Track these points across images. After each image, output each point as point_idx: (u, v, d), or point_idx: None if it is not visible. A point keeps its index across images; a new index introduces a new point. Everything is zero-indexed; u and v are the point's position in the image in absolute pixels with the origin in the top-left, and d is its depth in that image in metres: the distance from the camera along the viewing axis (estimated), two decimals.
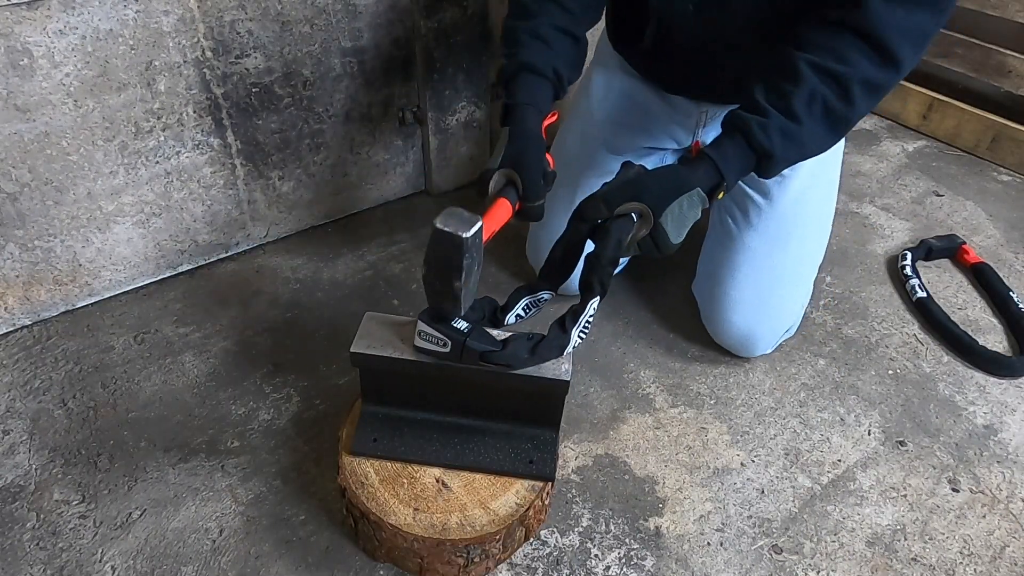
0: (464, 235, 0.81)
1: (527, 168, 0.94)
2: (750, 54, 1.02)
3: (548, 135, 1.04)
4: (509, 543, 0.96)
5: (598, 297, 0.89)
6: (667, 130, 1.28)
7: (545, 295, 0.98)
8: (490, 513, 0.93)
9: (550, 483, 0.98)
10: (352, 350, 0.93)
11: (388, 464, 0.97)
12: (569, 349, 0.90)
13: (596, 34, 1.42)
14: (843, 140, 1.29)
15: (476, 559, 0.92)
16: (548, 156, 1.01)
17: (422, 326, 0.90)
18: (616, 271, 0.91)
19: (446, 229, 0.82)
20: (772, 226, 1.20)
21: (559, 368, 0.91)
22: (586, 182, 1.31)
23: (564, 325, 0.90)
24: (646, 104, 1.26)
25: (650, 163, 1.33)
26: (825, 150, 0.93)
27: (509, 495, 0.95)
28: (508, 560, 0.99)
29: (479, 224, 0.83)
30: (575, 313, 0.90)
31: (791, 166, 0.94)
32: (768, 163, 0.89)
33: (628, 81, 1.27)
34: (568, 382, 0.91)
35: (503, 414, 0.99)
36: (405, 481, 0.96)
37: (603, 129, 1.30)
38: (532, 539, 1.01)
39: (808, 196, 1.21)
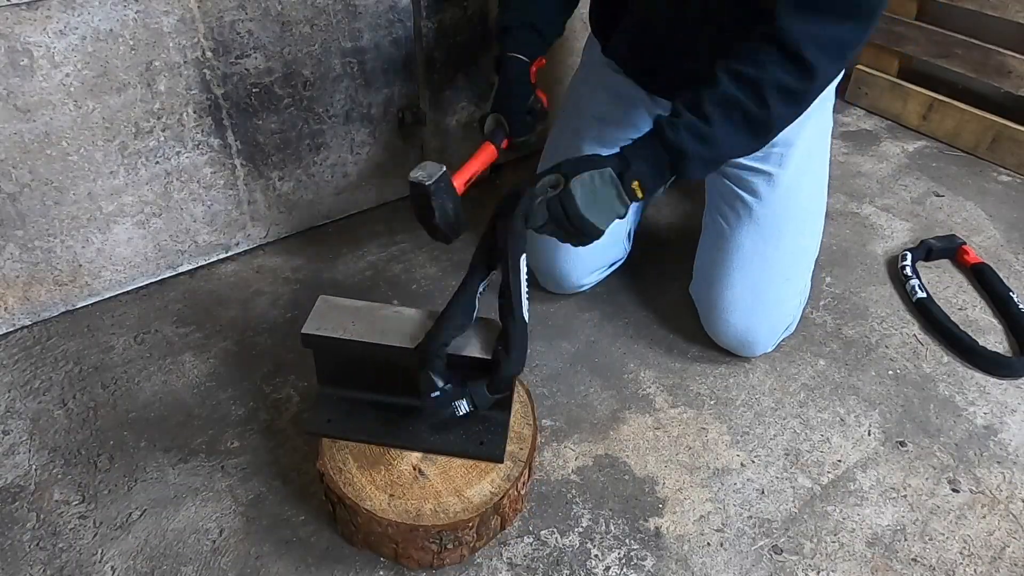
0: (428, 183, 0.98)
1: (511, 109, 1.12)
2: (721, 45, 1.03)
3: (539, 78, 1.19)
4: (483, 531, 0.96)
5: (521, 261, 0.94)
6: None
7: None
8: (464, 501, 0.94)
9: (499, 463, 0.98)
10: (303, 331, 0.96)
11: (367, 451, 0.99)
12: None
13: (581, 43, 1.44)
14: (829, 136, 1.30)
15: (449, 545, 0.94)
16: (541, 95, 1.17)
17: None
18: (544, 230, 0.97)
19: (414, 179, 0.99)
20: (763, 224, 1.21)
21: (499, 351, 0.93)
22: None
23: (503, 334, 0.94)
24: (631, 99, 1.27)
25: None
26: (750, 152, 0.98)
27: (484, 483, 0.96)
28: (495, 552, 0.99)
29: (442, 171, 1.00)
30: (505, 296, 0.94)
31: (716, 167, 0.99)
32: (682, 161, 0.93)
33: (613, 78, 1.29)
34: None
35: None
36: (383, 468, 0.97)
37: (591, 125, 1.31)
38: (508, 527, 1.02)
39: (797, 193, 1.21)
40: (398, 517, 0.91)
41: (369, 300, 1.03)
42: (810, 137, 1.21)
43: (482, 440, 0.99)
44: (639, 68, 1.24)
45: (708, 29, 1.07)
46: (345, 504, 0.93)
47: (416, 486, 0.95)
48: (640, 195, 0.94)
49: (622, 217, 0.96)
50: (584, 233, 0.95)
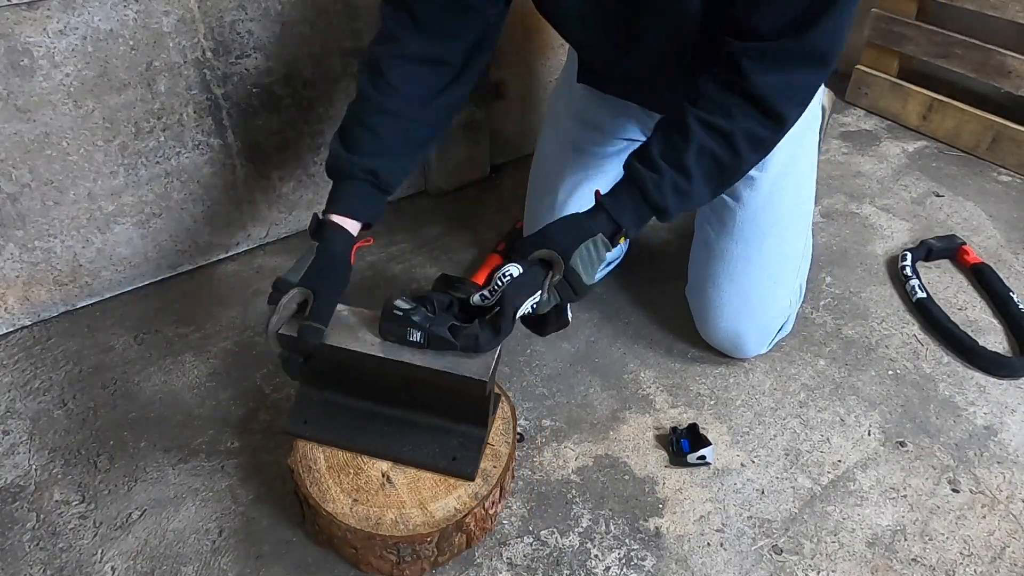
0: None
1: (321, 295, 0.93)
2: (674, 79, 1.05)
3: (357, 257, 1.00)
4: (445, 547, 0.95)
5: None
6: (638, 122, 1.28)
7: (512, 268, 0.92)
8: (426, 514, 0.92)
9: (470, 481, 0.96)
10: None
11: (339, 453, 0.99)
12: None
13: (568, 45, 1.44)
14: (816, 135, 1.30)
15: (407, 558, 0.93)
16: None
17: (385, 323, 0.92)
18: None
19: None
20: (746, 229, 1.21)
21: (477, 367, 0.90)
22: (564, 183, 1.32)
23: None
24: (619, 102, 1.27)
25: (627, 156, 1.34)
26: (711, 199, 0.99)
27: (450, 499, 0.94)
28: (495, 552, 0.99)
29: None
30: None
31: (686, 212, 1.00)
32: (663, 215, 0.95)
33: None
34: (484, 382, 0.89)
35: (434, 409, 0.98)
36: (352, 471, 0.97)
37: (575, 128, 1.31)
38: (475, 546, 1.00)
39: (779, 195, 1.21)
40: (357, 523, 0.91)
41: (368, 300, 1.03)
42: (793, 139, 1.20)
43: (455, 456, 0.97)
44: (611, 92, 1.25)
45: (659, 72, 1.07)
46: (308, 503, 0.93)
47: (382, 494, 0.95)
48: (622, 242, 0.97)
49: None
50: (584, 293, 0.96)
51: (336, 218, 0.97)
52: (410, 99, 0.98)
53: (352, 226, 0.98)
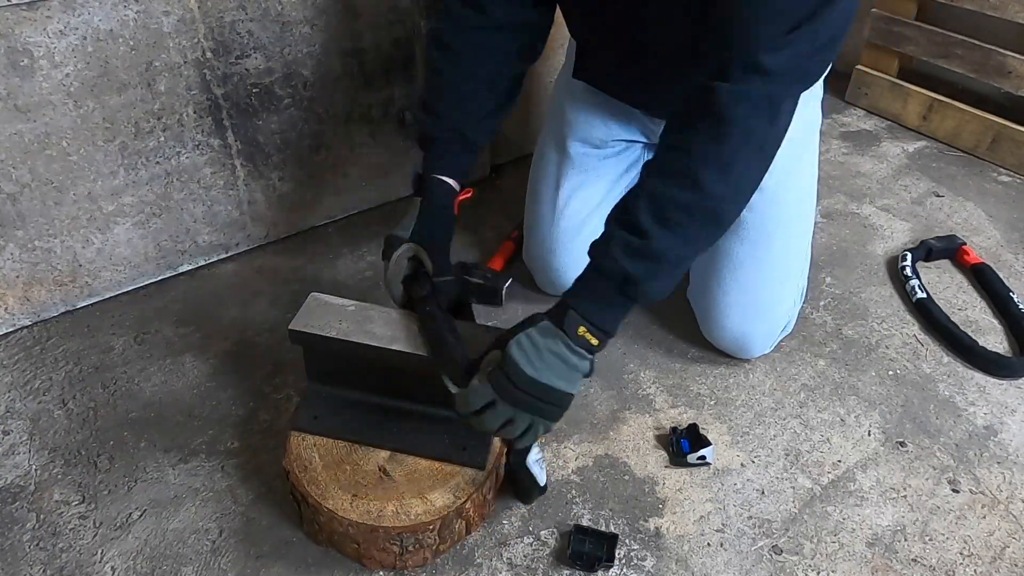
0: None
1: (435, 247, 1.01)
2: (674, 82, 1.03)
3: (460, 211, 1.06)
4: (447, 535, 0.96)
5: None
6: (638, 123, 1.28)
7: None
8: (426, 503, 0.94)
9: (481, 471, 0.98)
10: (290, 327, 0.97)
11: (334, 449, 1.00)
12: None
13: (567, 42, 1.43)
14: (817, 134, 1.29)
15: (411, 548, 0.94)
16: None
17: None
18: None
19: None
20: (751, 230, 1.21)
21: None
22: (564, 185, 1.31)
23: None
24: (613, 98, 1.26)
25: (626, 159, 1.33)
26: (711, 242, 0.90)
27: (448, 487, 0.96)
28: (495, 553, 0.99)
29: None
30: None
31: (679, 275, 0.88)
32: (632, 285, 0.83)
33: None
34: None
35: (442, 400, 0.97)
36: (348, 467, 0.98)
37: (575, 128, 1.30)
38: (474, 532, 1.01)
39: (784, 196, 1.21)
40: (359, 517, 0.91)
41: (369, 300, 1.03)
42: (795, 139, 1.19)
43: (465, 446, 0.99)
44: (608, 91, 1.24)
45: (661, 69, 1.07)
46: (308, 502, 0.94)
47: (380, 487, 0.95)
48: (594, 341, 0.84)
49: (587, 374, 0.86)
50: (547, 400, 0.84)
51: (435, 176, 1.02)
52: (482, 64, 1.02)
53: (450, 182, 1.03)
